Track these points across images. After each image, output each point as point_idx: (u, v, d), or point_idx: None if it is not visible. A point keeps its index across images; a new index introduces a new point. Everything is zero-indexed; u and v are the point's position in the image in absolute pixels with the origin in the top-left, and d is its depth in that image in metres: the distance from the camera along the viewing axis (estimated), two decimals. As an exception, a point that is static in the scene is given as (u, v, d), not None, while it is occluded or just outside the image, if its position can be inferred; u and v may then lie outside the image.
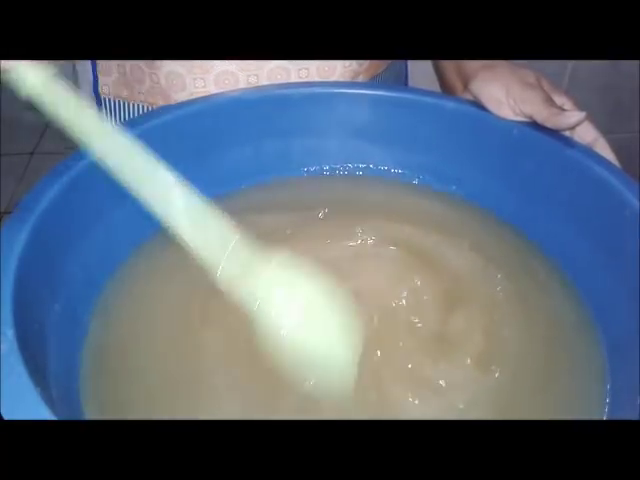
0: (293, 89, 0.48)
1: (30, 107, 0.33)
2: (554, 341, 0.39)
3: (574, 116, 0.41)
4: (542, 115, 0.42)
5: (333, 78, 0.53)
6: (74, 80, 0.60)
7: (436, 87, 0.53)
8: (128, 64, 0.52)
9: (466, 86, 0.47)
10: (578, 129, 0.42)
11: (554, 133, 0.43)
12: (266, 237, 0.43)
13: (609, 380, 0.37)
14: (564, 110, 0.41)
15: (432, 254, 0.44)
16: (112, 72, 0.54)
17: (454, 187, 0.49)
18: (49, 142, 1.47)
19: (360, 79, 0.54)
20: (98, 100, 0.56)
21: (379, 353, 0.37)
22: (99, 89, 0.55)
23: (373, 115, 0.49)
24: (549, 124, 0.42)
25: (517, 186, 0.46)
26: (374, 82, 0.57)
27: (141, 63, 0.51)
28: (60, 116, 0.33)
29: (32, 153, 1.49)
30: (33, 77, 0.33)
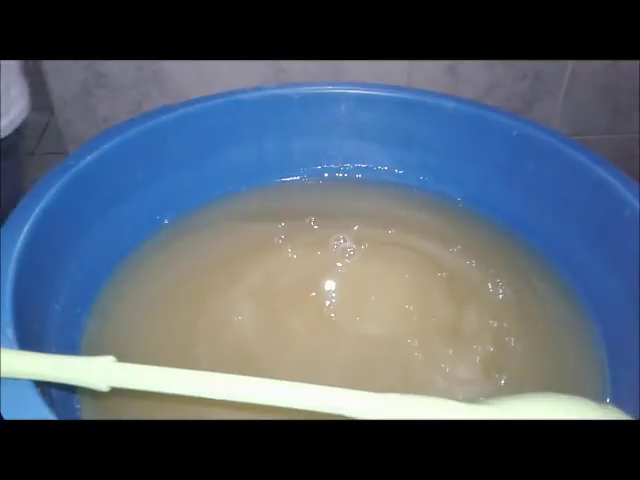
0: (293, 89, 0.48)
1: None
2: (554, 342, 0.39)
3: None
4: None
5: None
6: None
7: (436, 87, 0.53)
8: None
9: None
10: None
11: (554, 133, 0.43)
12: (257, 245, 0.44)
13: (609, 380, 0.37)
14: None
15: (429, 257, 0.44)
16: None
17: (454, 187, 0.49)
18: (49, 142, 1.47)
19: None
20: None
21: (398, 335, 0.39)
22: None
23: (373, 115, 0.49)
24: None
25: (517, 186, 0.46)
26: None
27: None
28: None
29: (32, 153, 1.49)
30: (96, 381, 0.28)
